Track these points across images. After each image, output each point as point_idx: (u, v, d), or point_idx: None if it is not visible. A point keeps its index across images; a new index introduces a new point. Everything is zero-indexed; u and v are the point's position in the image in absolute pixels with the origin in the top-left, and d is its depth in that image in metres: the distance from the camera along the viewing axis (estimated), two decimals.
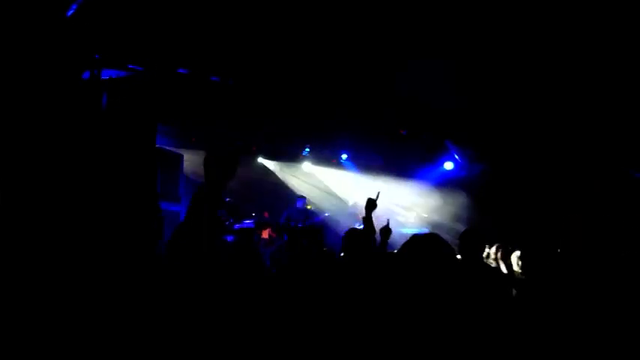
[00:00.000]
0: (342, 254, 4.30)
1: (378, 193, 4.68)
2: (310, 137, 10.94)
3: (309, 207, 11.24)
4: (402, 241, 2.09)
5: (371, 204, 4.36)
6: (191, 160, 9.98)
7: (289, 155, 11.73)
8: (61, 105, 5.98)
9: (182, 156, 8.66)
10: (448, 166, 11.10)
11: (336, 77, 7.38)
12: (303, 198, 10.74)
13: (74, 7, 5.71)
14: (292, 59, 6.96)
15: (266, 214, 10.70)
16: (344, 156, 11.91)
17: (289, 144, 11.17)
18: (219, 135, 10.12)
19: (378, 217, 4.41)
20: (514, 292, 4.04)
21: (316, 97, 8.10)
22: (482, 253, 4.23)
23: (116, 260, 5.22)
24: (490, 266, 4.87)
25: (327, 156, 12.05)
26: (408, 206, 12.10)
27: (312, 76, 7.40)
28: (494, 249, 5.41)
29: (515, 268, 5.04)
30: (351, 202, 11.83)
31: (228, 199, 10.49)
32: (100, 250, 5.23)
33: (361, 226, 4.47)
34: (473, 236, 4.07)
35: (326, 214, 11.26)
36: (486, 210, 9.77)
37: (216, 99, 8.25)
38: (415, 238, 2.15)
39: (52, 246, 5.28)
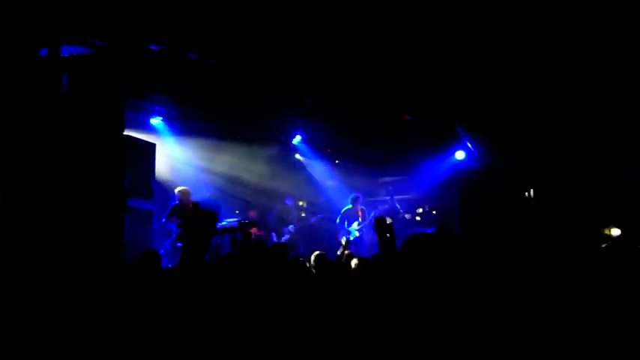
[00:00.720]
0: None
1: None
2: (301, 123, 10.74)
3: (300, 203, 11.11)
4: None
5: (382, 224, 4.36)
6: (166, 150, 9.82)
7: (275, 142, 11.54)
8: (14, 87, 5.78)
9: (154, 146, 8.44)
10: (459, 155, 10.99)
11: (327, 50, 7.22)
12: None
13: None
14: (279, 33, 6.78)
15: (252, 213, 10.53)
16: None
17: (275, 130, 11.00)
18: (199, 121, 9.91)
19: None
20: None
21: (304, 73, 7.92)
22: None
23: (71, 263, 5.02)
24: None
25: (319, 145, 11.90)
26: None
27: (301, 48, 7.22)
28: None
29: None
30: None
31: (210, 194, 10.30)
32: (52, 250, 5.03)
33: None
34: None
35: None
36: (500, 205, 9.70)
37: (195, 79, 8.05)
38: (423, 236, 2.05)
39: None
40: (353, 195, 10.84)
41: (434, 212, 11.82)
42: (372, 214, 11.02)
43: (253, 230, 9.48)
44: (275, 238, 10.20)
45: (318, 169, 12.60)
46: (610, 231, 8.09)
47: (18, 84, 5.80)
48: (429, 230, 9.90)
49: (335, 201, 12.07)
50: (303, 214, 11.53)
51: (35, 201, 5.61)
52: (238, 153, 11.01)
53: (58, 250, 5.47)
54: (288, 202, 11.04)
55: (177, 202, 8.79)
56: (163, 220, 8.64)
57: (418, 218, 11.69)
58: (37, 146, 5.78)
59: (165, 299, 4.03)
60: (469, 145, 10.76)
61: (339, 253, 8.61)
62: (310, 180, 12.61)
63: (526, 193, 9.32)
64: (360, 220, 10.44)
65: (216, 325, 3.39)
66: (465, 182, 11.06)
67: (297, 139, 11.26)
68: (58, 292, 4.63)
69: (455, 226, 10.80)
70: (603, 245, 5.29)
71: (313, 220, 11.23)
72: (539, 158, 9.16)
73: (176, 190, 8.89)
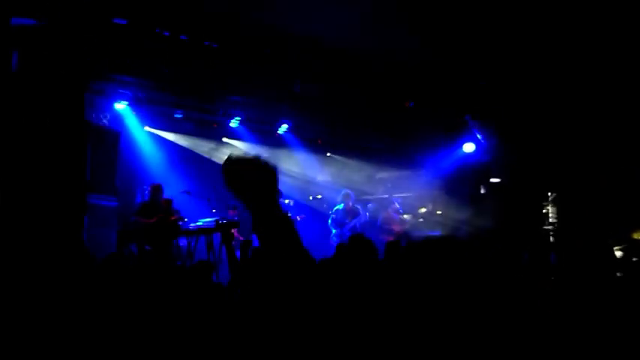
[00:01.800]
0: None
1: None
2: (287, 110, 10.80)
3: (287, 201, 11.17)
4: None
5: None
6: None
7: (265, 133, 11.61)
8: None
9: (120, 133, 8.47)
10: (468, 148, 11.12)
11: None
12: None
13: None
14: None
15: (231, 212, 10.57)
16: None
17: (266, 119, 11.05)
18: (170, 107, 9.94)
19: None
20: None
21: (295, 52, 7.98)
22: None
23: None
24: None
25: (308, 135, 11.97)
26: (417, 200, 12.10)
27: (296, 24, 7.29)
28: None
29: None
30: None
31: (183, 191, 10.35)
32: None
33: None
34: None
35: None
36: (516, 203, 9.81)
37: (165, 58, 8.08)
38: (427, 241, 2.09)
39: None
40: (344, 191, 10.96)
41: (438, 212, 11.93)
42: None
43: (233, 232, 9.54)
44: (257, 242, 10.24)
45: (307, 163, 12.69)
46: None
47: None
48: (434, 233, 10.03)
49: (327, 198, 12.19)
50: (289, 215, 11.60)
51: None
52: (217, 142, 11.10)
53: (5, 254, 5.50)
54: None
55: (147, 199, 8.84)
56: (133, 219, 8.67)
57: (421, 220, 11.79)
58: None
59: (140, 309, 4.09)
60: (479, 136, 10.87)
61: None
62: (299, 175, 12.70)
63: (549, 194, 9.43)
64: (349, 220, 10.59)
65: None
66: (474, 178, 11.17)
67: (282, 129, 11.33)
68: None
69: (462, 227, 10.91)
70: (619, 247, 5.47)
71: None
72: (557, 154, 9.26)
73: (148, 186, 8.94)
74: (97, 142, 7.65)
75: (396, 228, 11.45)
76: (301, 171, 12.76)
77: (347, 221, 10.68)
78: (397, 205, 11.27)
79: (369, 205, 11.22)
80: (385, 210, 11.34)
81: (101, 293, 4.73)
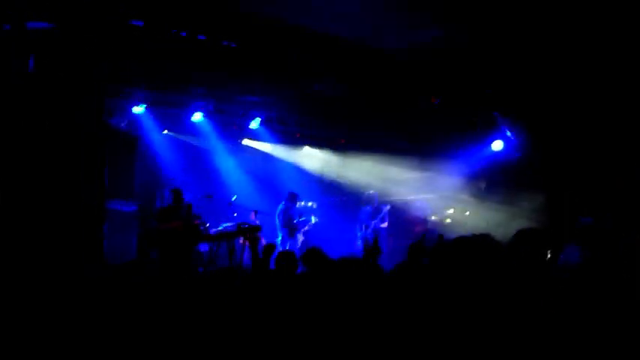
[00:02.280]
0: None
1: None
2: (307, 110, 10.69)
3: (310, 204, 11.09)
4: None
5: None
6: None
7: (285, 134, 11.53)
8: None
9: (138, 137, 8.43)
10: (497, 146, 10.90)
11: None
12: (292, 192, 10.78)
13: None
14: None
15: (252, 215, 10.46)
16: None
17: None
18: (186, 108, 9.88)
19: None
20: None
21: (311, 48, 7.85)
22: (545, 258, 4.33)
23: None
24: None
25: (329, 135, 11.84)
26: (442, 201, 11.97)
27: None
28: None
29: None
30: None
31: (203, 196, 10.25)
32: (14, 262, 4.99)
33: None
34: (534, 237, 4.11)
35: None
36: (548, 204, 9.60)
37: (185, 60, 8.00)
38: (460, 240, 2.04)
39: None
40: (368, 193, 10.88)
41: (467, 213, 11.75)
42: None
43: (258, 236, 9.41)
44: (282, 246, 10.09)
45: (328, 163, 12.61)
46: None
47: None
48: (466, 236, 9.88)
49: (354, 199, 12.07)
50: (314, 220, 11.45)
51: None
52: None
53: (20, 263, 5.42)
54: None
55: (167, 203, 8.75)
56: (154, 224, 8.59)
57: (448, 220, 11.65)
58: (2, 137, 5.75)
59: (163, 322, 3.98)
60: (509, 133, 10.67)
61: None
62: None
63: None
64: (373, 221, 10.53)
65: None
66: (504, 178, 10.99)
67: (303, 128, 11.24)
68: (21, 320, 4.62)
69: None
70: None
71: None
72: (591, 149, 9.04)
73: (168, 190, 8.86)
74: (116, 146, 7.60)
75: (418, 228, 11.35)
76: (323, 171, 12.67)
77: (371, 223, 10.58)
78: (419, 205, 11.20)
79: (388, 207, 11.08)
80: (407, 211, 11.30)
81: (118, 301, 4.63)
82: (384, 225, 10.74)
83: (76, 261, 5.84)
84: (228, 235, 8.65)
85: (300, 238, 10.72)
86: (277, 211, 10.58)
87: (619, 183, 8.69)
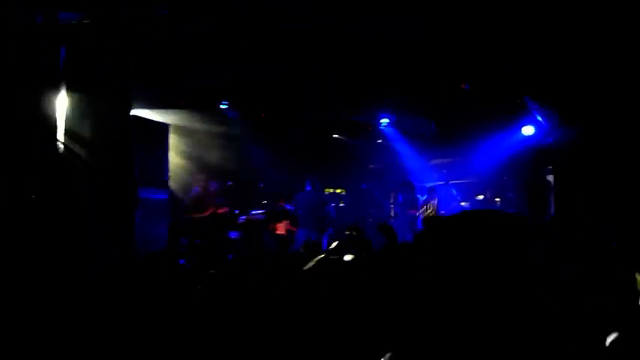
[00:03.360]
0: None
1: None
2: (336, 96, 10.66)
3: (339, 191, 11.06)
4: None
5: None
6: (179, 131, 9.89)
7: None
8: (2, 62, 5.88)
9: (168, 126, 8.52)
10: (527, 131, 10.76)
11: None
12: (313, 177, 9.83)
13: None
14: None
15: (282, 202, 10.53)
16: (384, 120, 11.62)
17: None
18: (216, 97, 9.95)
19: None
20: None
21: (342, 38, 7.81)
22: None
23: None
24: None
25: (360, 120, 11.80)
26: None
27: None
28: None
29: None
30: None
31: (230, 183, 10.37)
32: (49, 250, 5.13)
33: None
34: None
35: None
36: (582, 192, 9.43)
37: (212, 48, 8.05)
38: (466, 214, 1.99)
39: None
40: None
41: (497, 200, 11.66)
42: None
43: (285, 224, 9.44)
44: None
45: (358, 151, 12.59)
46: None
47: (7, 58, 5.88)
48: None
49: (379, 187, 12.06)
50: (342, 204, 11.46)
51: (31, 194, 5.70)
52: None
53: (54, 252, 5.56)
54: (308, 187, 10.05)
55: (195, 192, 8.88)
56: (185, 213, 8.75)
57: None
58: (33, 130, 5.87)
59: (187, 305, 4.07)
60: (539, 118, 10.52)
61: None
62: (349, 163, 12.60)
63: None
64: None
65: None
66: (535, 163, 10.85)
67: None
68: (54, 300, 4.76)
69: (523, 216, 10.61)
70: None
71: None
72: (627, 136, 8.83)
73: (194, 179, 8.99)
74: (147, 136, 7.72)
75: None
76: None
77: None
78: (434, 194, 11.17)
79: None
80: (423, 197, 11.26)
81: (147, 290, 4.75)
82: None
83: (107, 250, 5.98)
84: (257, 223, 8.76)
85: None
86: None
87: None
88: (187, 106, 10.01)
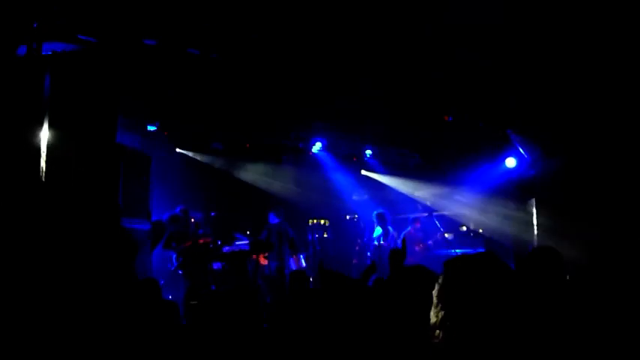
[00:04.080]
0: None
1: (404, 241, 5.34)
2: (320, 127, 10.74)
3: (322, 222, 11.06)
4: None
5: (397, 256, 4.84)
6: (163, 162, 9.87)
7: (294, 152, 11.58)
8: None
9: (152, 157, 8.49)
10: (510, 163, 10.88)
11: (352, 40, 7.19)
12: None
13: None
14: (295, 18, 6.78)
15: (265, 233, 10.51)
16: (368, 152, 11.70)
17: (293, 137, 10.98)
18: (198, 129, 9.97)
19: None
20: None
21: (327, 70, 7.90)
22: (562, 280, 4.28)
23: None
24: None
25: (344, 152, 11.86)
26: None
27: (323, 39, 7.20)
28: None
29: None
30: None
31: (213, 214, 10.34)
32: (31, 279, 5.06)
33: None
34: (550, 257, 4.04)
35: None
36: (564, 223, 9.51)
37: (196, 78, 8.10)
38: (462, 258, 2.00)
39: None
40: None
41: (480, 231, 11.71)
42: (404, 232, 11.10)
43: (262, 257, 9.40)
44: (294, 266, 10.07)
45: (342, 182, 12.61)
46: None
47: None
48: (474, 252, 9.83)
49: (363, 218, 12.06)
50: (325, 235, 11.46)
51: (9, 224, 5.62)
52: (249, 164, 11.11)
53: (36, 280, 5.47)
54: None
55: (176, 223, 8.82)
56: (161, 245, 8.69)
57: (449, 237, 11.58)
58: (15, 159, 5.82)
59: (172, 337, 4.02)
60: (522, 151, 10.66)
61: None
62: (334, 194, 12.62)
63: None
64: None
65: None
66: (518, 194, 10.94)
67: (316, 147, 11.26)
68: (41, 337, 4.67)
69: (507, 248, 10.67)
70: None
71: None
72: (609, 166, 8.96)
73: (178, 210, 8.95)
74: (130, 165, 7.67)
75: (418, 247, 11.31)
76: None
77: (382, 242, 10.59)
78: (419, 225, 11.17)
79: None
80: (407, 228, 11.27)
81: (142, 319, 4.68)
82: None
83: (88, 278, 5.89)
84: (240, 254, 8.71)
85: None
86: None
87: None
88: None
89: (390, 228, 10.77)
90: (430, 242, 11.33)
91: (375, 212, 10.95)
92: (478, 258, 1.85)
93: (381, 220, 10.72)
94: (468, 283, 1.77)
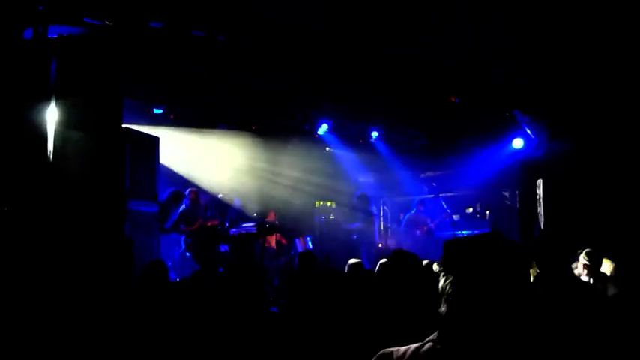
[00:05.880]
0: None
1: None
2: (327, 109, 10.70)
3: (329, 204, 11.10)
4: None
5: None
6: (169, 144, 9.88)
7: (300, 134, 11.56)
8: None
9: (158, 139, 8.51)
10: (517, 144, 10.85)
11: (359, 21, 7.16)
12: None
13: None
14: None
15: (272, 215, 10.54)
16: (374, 134, 11.67)
17: (300, 119, 10.96)
18: (205, 109, 9.96)
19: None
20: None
21: (333, 52, 7.86)
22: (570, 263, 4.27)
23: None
24: (580, 280, 4.84)
25: (351, 134, 11.84)
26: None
27: (329, 20, 7.16)
28: (582, 257, 5.54)
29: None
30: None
31: (220, 196, 10.36)
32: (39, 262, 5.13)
33: None
34: (556, 239, 4.10)
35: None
36: (571, 205, 9.48)
37: (201, 61, 8.08)
38: (465, 238, 1.96)
39: None
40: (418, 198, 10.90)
41: (487, 212, 11.70)
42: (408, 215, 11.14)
43: (276, 236, 9.46)
44: (300, 247, 10.13)
45: (349, 163, 12.60)
46: None
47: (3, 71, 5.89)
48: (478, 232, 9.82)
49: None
50: (332, 217, 11.46)
51: (18, 207, 5.66)
52: (257, 145, 11.12)
53: (45, 263, 5.53)
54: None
55: (185, 205, 8.85)
56: (167, 226, 8.73)
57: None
58: (22, 143, 5.86)
59: (179, 319, 4.06)
60: (528, 131, 10.61)
61: None
62: (341, 176, 12.61)
63: None
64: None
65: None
66: (525, 176, 10.91)
67: (323, 129, 11.23)
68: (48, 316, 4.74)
69: (513, 229, 10.66)
70: None
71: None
72: (615, 149, 8.90)
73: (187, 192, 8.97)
74: (137, 147, 7.70)
75: (420, 231, 11.34)
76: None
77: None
78: (422, 208, 11.20)
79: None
80: (412, 211, 11.30)
81: (142, 302, 4.74)
82: None
83: (97, 262, 5.96)
84: (247, 236, 8.75)
85: None
86: None
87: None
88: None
89: (374, 208, 10.87)
90: (432, 225, 11.35)
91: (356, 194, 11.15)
92: (483, 238, 1.80)
93: (363, 202, 10.87)
94: (471, 260, 1.73)
